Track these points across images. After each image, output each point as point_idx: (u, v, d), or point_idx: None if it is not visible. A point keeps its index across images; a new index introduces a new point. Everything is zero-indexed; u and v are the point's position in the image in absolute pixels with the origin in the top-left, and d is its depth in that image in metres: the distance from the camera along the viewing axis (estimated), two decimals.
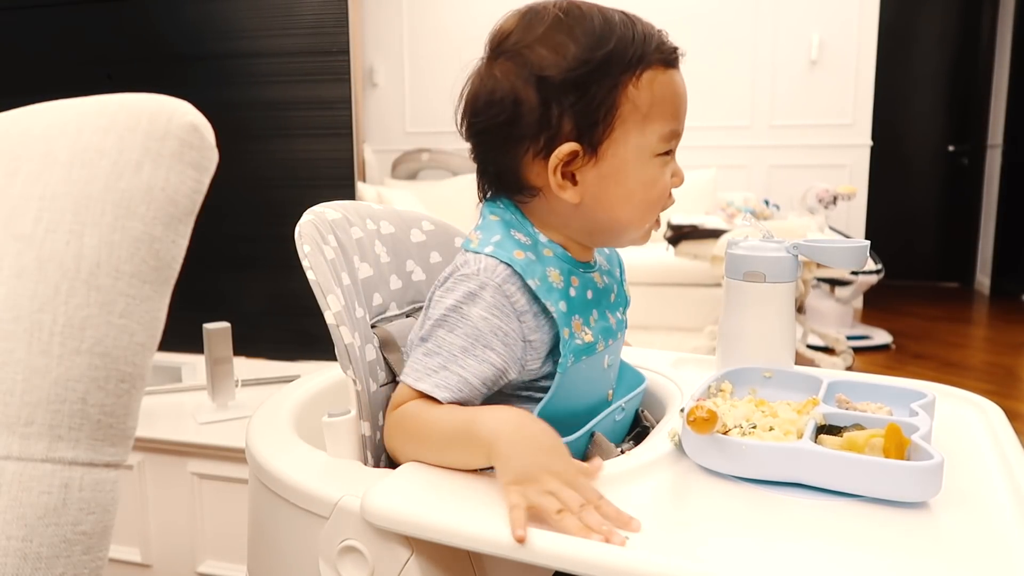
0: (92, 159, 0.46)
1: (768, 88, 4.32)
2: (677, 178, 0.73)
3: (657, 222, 0.75)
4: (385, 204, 0.88)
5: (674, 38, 0.73)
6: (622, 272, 0.84)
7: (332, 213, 0.78)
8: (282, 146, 1.82)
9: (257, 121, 1.81)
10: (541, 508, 0.53)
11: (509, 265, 0.67)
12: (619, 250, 0.82)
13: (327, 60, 1.74)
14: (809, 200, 3.72)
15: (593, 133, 0.67)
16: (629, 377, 0.83)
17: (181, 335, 1.31)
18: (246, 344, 1.66)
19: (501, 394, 0.70)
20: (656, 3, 4.34)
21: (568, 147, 0.67)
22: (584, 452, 0.71)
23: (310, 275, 0.69)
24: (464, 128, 0.72)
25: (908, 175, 5.28)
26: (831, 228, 3.52)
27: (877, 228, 4.53)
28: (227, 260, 1.87)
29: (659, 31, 0.70)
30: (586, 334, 0.70)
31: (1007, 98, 4.84)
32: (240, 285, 1.90)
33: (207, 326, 1.40)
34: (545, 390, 0.69)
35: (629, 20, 0.69)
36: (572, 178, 0.69)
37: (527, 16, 0.69)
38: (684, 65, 0.75)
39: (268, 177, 1.84)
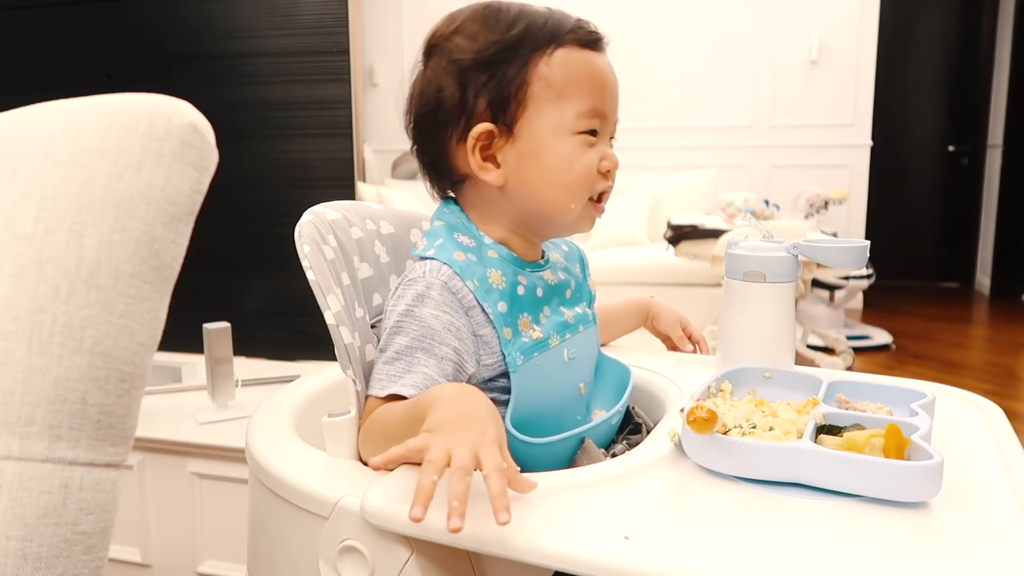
0: (92, 159, 0.46)
1: (768, 88, 4.32)
2: (607, 162, 0.72)
3: (597, 206, 0.74)
4: (385, 204, 0.88)
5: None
6: (584, 267, 0.85)
7: (332, 213, 0.78)
8: (282, 146, 1.82)
9: (257, 121, 1.81)
10: (429, 457, 0.51)
11: (450, 266, 0.69)
12: (590, 247, 0.84)
13: (327, 60, 1.74)
14: (801, 204, 3.73)
15: (506, 112, 0.70)
16: (612, 370, 0.83)
17: (181, 335, 1.31)
18: (246, 344, 1.66)
19: None
20: (656, 3, 4.36)
21: (483, 126, 0.70)
22: (572, 457, 0.71)
23: (310, 275, 0.69)
24: (406, 126, 0.76)
25: (908, 175, 5.28)
26: (822, 232, 3.53)
27: (877, 228, 4.53)
28: (227, 260, 1.87)
29: (579, 18, 0.72)
30: (534, 331, 0.72)
31: (1007, 98, 4.84)
32: (240, 285, 1.90)
33: (207, 326, 1.40)
34: (507, 389, 0.70)
35: (548, 10, 0.72)
36: (495, 160, 0.71)
37: (450, 16, 0.74)
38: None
39: (268, 177, 1.84)
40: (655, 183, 4.24)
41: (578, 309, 0.79)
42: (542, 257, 0.79)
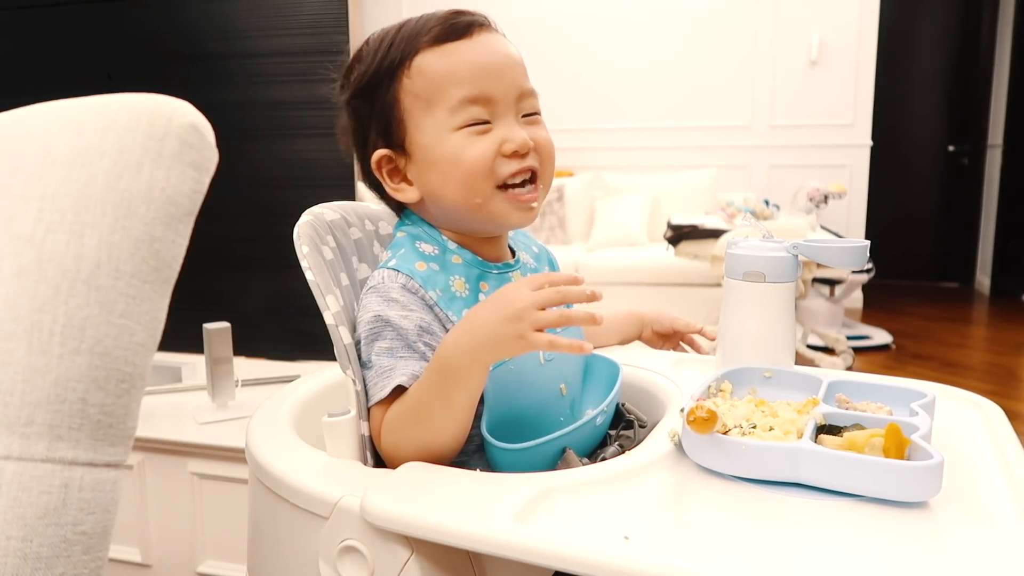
0: (92, 159, 0.46)
1: (768, 88, 4.32)
2: (510, 144, 0.69)
3: (514, 194, 0.71)
4: (384, 205, 0.88)
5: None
6: (554, 269, 0.85)
7: (330, 214, 0.78)
8: (282, 146, 1.82)
9: (257, 121, 1.81)
10: (535, 342, 0.59)
11: (409, 275, 0.70)
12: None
13: (327, 60, 1.73)
14: (800, 200, 3.73)
15: (393, 134, 0.72)
16: (602, 368, 0.82)
17: (181, 335, 1.31)
18: (246, 344, 1.66)
19: None
20: (657, 3, 4.36)
21: (379, 154, 0.73)
22: (554, 466, 0.70)
23: (309, 276, 0.69)
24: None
25: (908, 175, 5.28)
26: (823, 228, 3.53)
27: (877, 228, 4.53)
28: (227, 260, 1.87)
29: (450, 12, 0.72)
30: None
31: (1007, 98, 4.84)
32: (240, 285, 1.90)
33: (207, 326, 1.40)
34: None
35: (415, 19, 0.73)
36: (408, 179, 0.74)
37: (349, 60, 0.77)
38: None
39: (268, 177, 1.84)
40: (655, 183, 4.24)
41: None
42: (513, 256, 0.79)
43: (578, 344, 0.60)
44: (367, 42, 0.75)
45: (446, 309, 0.69)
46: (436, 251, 0.73)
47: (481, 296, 0.73)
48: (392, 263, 0.71)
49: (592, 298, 0.61)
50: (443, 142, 0.69)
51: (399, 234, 0.76)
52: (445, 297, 0.70)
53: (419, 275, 0.70)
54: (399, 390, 0.66)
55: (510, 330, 0.59)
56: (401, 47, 0.71)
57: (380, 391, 0.66)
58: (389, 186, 0.74)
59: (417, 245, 0.73)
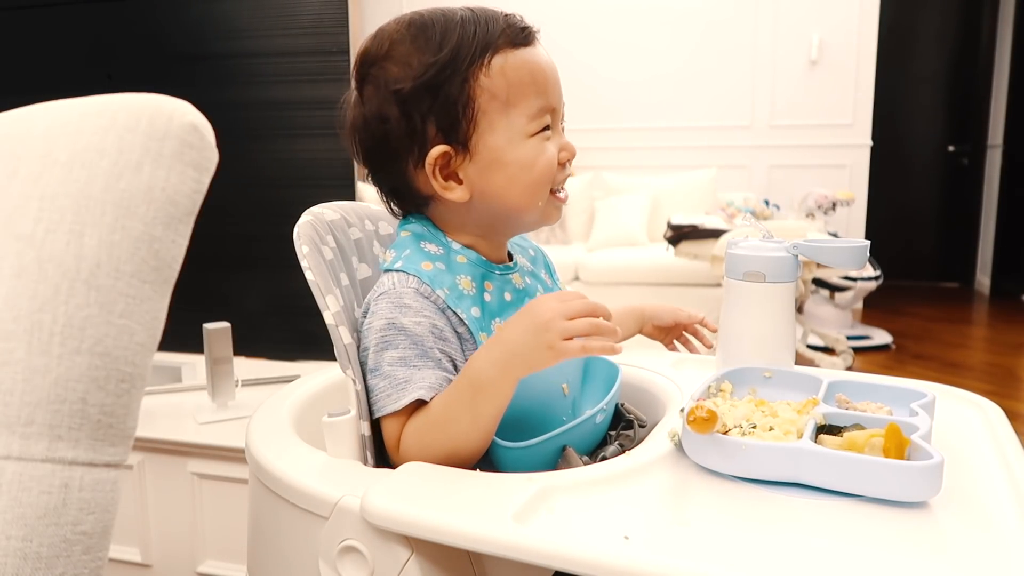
0: (92, 159, 0.46)
1: (768, 88, 4.32)
2: (566, 152, 0.73)
3: (558, 197, 0.74)
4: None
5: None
6: (551, 272, 0.85)
7: (331, 214, 0.78)
8: (282, 146, 1.82)
9: (257, 121, 1.81)
10: (566, 350, 0.60)
11: (418, 276, 0.69)
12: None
13: (327, 60, 1.74)
14: (808, 205, 3.73)
15: (457, 131, 0.69)
16: (601, 369, 0.82)
17: (181, 335, 1.31)
18: (246, 344, 1.66)
19: None
20: (657, 3, 4.36)
21: (438, 150, 0.69)
22: (555, 464, 0.70)
23: (309, 276, 0.70)
24: (354, 154, 0.76)
25: (908, 175, 5.28)
26: (829, 234, 3.53)
27: (877, 228, 4.53)
28: (227, 260, 1.87)
29: (506, 15, 0.71)
30: None
31: (1007, 98, 4.84)
32: (240, 285, 1.90)
33: (207, 326, 1.40)
34: None
35: (472, 13, 0.70)
36: (456, 178, 0.71)
37: (377, 38, 0.72)
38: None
39: (268, 177, 1.84)
40: (655, 183, 4.24)
41: None
42: (510, 259, 0.79)
43: (610, 346, 0.61)
44: (421, 26, 0.70)
45: (455, 308, 0.69)
46: (440, 251, 0.73)
47: (486, 295, 0.73)
48: (398, 265, 0.71)
49: (616, 336, 0.63)
50: (518, 146, 0.70)
51: (403, 233, 0.75)
52: (453, 295, 0.70)
53: (426, 275, 0.70)
54: (416, 403, 0.66)
55: (539, 341, 0.61)
56: (479, 42, 0.68)
57: (394, 403, 0.66)
58: (439, 184, 0.70)
59: (422, 245, 0.73)
